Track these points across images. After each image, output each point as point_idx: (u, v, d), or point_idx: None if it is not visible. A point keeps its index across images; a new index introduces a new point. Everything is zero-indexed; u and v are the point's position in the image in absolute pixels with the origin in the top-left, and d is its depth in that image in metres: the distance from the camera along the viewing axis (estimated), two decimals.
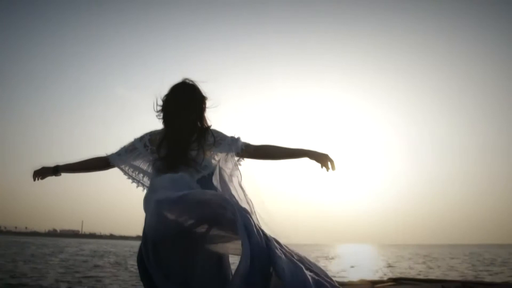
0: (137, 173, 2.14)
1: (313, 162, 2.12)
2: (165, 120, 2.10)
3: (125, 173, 2.14)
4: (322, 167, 2.09)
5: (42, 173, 2.17)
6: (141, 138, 2.13)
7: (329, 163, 2.08)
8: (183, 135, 2.06)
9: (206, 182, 2.02)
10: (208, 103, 2.16)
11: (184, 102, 2.10)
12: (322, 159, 2.09)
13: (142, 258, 1.91)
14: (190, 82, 2.14)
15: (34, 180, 2.16)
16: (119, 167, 2.14)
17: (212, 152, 2.11)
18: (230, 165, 2.14)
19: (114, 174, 2.24)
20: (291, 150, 2.15)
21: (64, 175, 2.20)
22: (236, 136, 2.16)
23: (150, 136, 2.12)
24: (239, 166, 2.16)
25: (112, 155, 2.13)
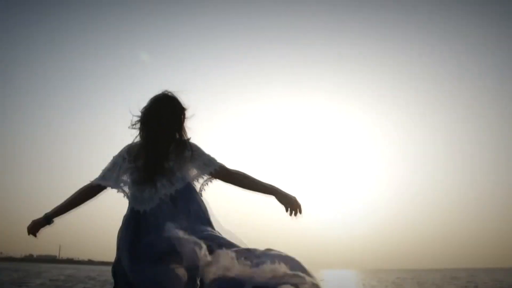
0: (122, 185, 2.13)
1: (280, 204, 2.10)
2: (143, 132, 2.12)
3: (117, 189, 2.13)
4: (287, 210, 2.09)
5: (34, 228, 2.14)
6: (120, 153, 2.15)
7: (295, 208, 2.07)
8: (161, 146, 2.08)
9: (179, 197, 2.04)
10: (188, 114, 2.16)
11: (163, 114, 2.11)
12: (289, 202, 2.08)
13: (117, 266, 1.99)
14: (170, 94, 2.16)
15: (29, 234, 2.14)
16: (109, 187, 2.13)
17: (188, 166, 2.12)
18: (200, 182, 2.17)
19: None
20: (263, 186, 2.14)
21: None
22: (213, 156, 2.16)
23: (128, 149, 2.15)
24: (207, 186, 2.17)
25: (97, 180, 2.13)
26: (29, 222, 2.16)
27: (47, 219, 2.13)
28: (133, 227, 2.02)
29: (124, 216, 2.10)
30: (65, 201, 2.15)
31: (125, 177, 2.12)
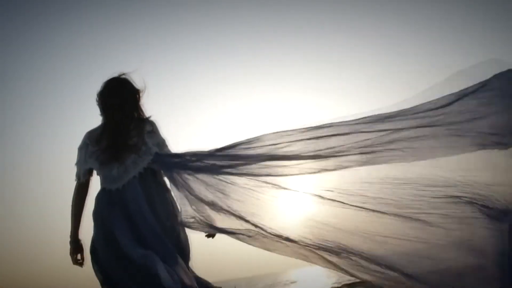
0: (89, 168, 2.15)
1: None
2: (103, 115, 2.18)
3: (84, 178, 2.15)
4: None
5: (74, 259, 2.14)
6: (82, 141, 2.18)
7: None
8: (121, 125, 2.13)
9: (149, 172, 2.09)
10: (142, 95, 2.21)
11: (118, 96, 2.16)
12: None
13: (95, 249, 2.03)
14: (122, 77, 2.21)
15: (80, 264, 2.15)
16: (91, 176, 2.17)
17: (149, 140, 2.14)
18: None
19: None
20: None
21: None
22: (165, 141, 2.20)
23: (89, 134, 2.18)
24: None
25: (78, 175, 2.15)
26: None
27: (73, 243, 2.15)
28: (105, 205, 2.06)
29: (96, 198, 2.12)
30: (74, 215, 2.15)
31: (92, 161, 2.12)
